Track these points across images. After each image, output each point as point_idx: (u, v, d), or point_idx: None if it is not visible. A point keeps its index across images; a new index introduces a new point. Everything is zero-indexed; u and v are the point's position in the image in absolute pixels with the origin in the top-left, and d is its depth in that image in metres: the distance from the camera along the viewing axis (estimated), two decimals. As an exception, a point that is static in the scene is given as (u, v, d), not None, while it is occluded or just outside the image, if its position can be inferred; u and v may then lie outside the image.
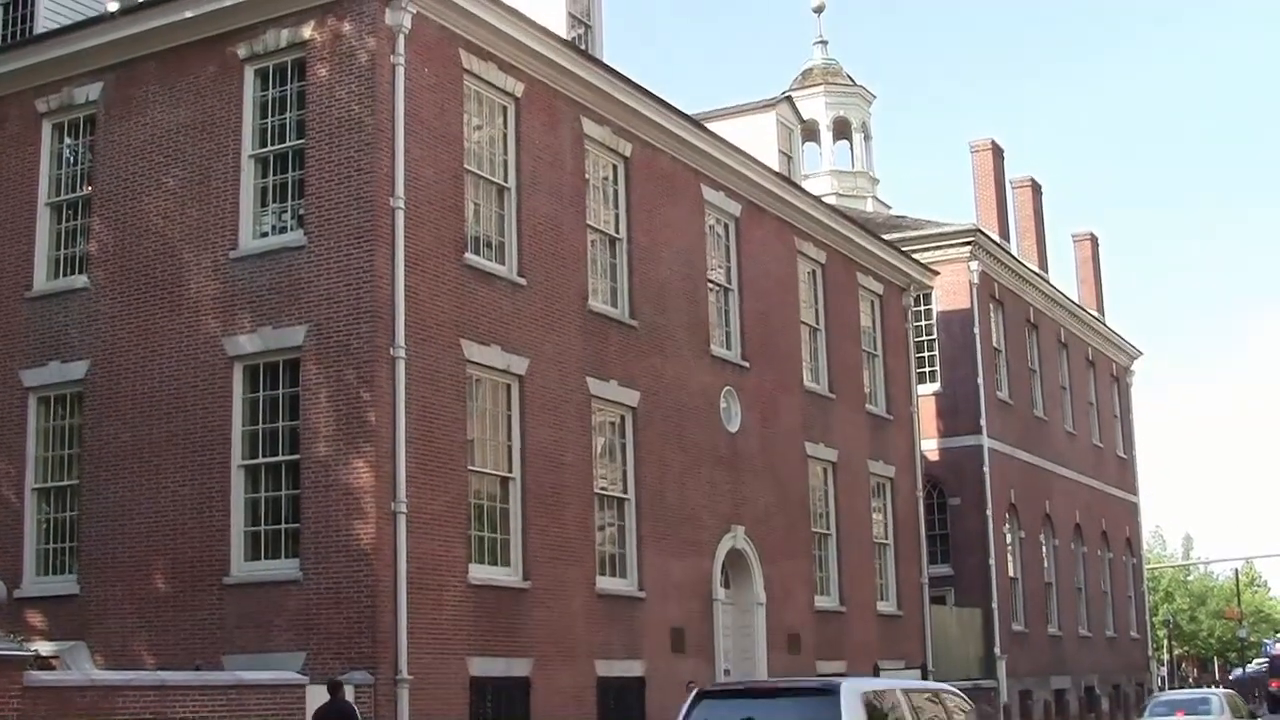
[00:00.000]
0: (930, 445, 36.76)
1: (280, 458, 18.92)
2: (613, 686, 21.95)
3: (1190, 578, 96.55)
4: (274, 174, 19.74)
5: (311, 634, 18.01)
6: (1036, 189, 47.33)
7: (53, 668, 18.17)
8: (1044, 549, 41.57)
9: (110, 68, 21.17)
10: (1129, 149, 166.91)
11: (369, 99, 18.81)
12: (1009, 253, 41.46)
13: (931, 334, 38.15)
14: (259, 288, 19.21)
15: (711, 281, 26.54)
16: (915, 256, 35.69)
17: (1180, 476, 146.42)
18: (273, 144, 19.75)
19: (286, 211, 19.64)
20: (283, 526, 18.81)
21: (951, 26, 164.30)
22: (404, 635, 17.94)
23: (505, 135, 21.56)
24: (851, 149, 45.39)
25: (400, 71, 19.09)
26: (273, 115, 19.84)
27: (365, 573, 17.87)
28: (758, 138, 31.71)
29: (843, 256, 31.40)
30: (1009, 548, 38.95)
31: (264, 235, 19.66)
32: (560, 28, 24.53)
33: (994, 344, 39.40)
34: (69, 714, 14.26)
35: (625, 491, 23.33)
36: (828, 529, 29.53)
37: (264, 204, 19.80)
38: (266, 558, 18.87)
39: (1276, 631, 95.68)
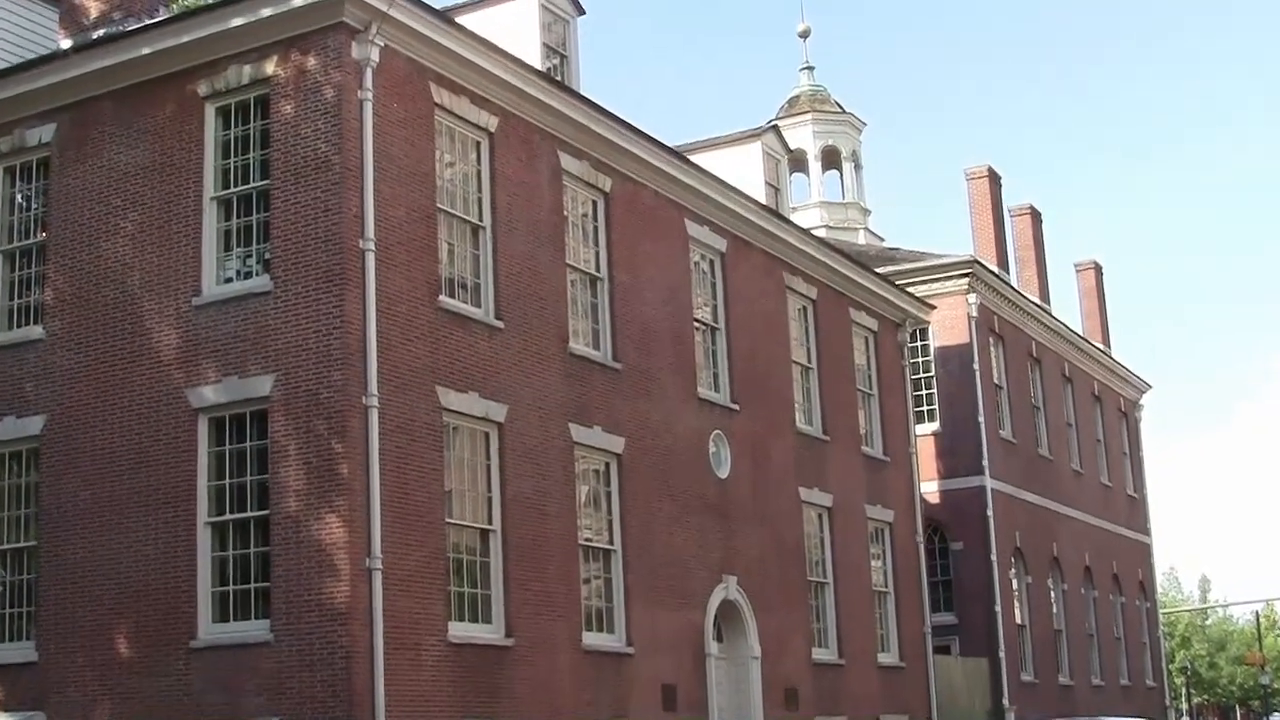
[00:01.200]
0: (930, 487, 36.88)
1: (249, 514, 18.95)
2: (602, 748, 21.97)
3: (1208, 622, 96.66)
4: (238, 217, 19.84)
5: (284, 699, 18.00)
6: (1036, 216, 47.62)
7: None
8: (1052, 594, 41.66)
9: (64, 108, 21.28)
10: (1132, 172, 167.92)
11: (336, 136, 18.94)
12: (1009, 284, 41.71)
13: (929, 371, 38.33)
14: (224, 336, 19.29)
15: (698, 320, 26.68)
16: (910, 290, 35.89)
17: (1195, 515, 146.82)
18: (236, 185, 19.86)
19: (251, 256, 19.72)
20: (252, 586, 18.81)
21: (943, 50, 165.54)
22: (381, 698, 17.94)
23: (479, 172, 21.70)
24: (842, 179, 45.72)
25: (368, 107, 19.24)
26: (235, 155, 19.95)
27: (340, 633, 17.89)
28: (743, 169, 31.94)
29: (834, 292, 31.58)
30: (1015, 593, 39.03)
31: (228, 281, 19.75)
32: (534, 58, 24.74)
33: (995, 380, 39.59)
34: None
35: (611, 542, 23.39)
36: (824, 577, 29.60)
37: (228, 248, 19.88)
38: (235, 619, 18.87)
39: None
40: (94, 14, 24.18)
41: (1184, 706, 77.67)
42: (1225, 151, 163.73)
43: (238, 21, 19.60)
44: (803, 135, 44.72)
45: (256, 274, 19.55)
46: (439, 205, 20.65)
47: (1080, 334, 47.89)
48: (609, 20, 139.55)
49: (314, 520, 18.24)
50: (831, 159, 45.72)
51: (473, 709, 19.53)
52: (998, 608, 37.08)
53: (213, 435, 19.37)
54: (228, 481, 19.22)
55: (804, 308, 30.56)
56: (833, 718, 28.26)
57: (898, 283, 35.38)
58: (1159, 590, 58.27)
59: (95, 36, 22.31)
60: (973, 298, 38.38)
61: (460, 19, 23.25)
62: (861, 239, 43.74)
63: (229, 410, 19.23)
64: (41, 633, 20.05)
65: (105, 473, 19.85)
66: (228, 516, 19.12)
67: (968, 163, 46.12)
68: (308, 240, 18.90)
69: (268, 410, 18.83)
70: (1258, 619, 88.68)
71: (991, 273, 40.05)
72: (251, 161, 19.81)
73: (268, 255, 19.37)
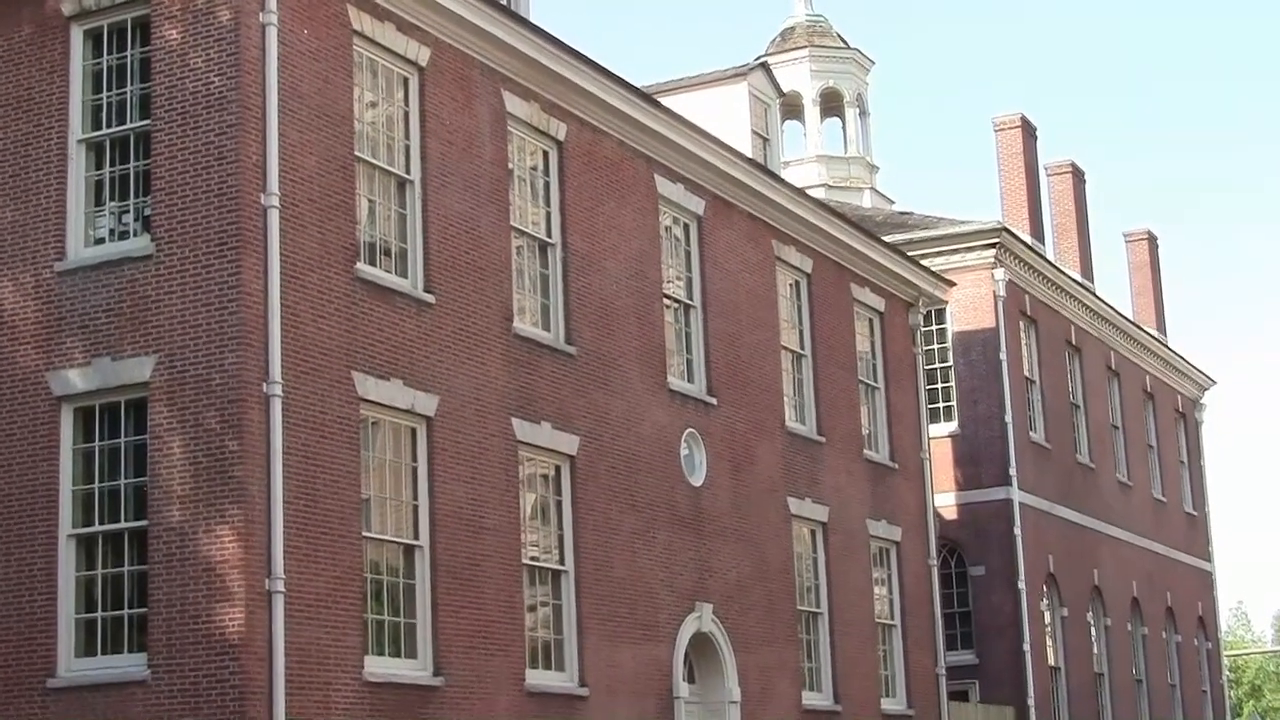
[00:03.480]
0: (946, 500, 37.10)
1: (122, 525, 18.91)
2: (548, 811, 22.08)
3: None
4: (111, 164, 19.78)
5: (164, 748, 18.04)
6: (1078, 176, 47.87)
7: None
8: (1093, 630, 41.96)
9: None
10: (1194, 129, 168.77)
11: (232, 69, 18.92)
12: (1043, 257, 41.95)
13: (947, 360, 38.53)
14: (93, 309, 19.25)
15: (669, 297, 26.77)
16: (925, 263, 36.08)
17: (1268, 539, 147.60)
18: (109, 126, 19.81)
19: (128, 212, 19.68)
20: (125, 612, 18.79)
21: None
22: (282, 748, 18.01)
23: (407, 114, 21.71)
24: (844, 129, 45.87)
25: (272, 34, 19.21)
26: (109, 89, 19.89)
27: (232, 669, 17.89)
28: (726, 116, 32.03)
29: (834, 264, 31.71)
30: (1048, 629, 39.31)
31: (99, 242, 19.71)
32: (474, -22, 24.76)
33: (1025, 372, 39.82)
34: None
35: (562, 562, 23.47)
36: (818, 607, 29.76)
37: (99, 203, 19.84)
38: (104, 653, 18.83)
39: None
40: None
41: (1251, 768, 78.25)
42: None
43: (112, -74, 19.61)
44: (798, 75, 44.81)
45: (134, 234, 19.50)
46: (358, 154, 20.65)
47: (1130, 318, 48.20)
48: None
49: (202, 533, 18.23)
50: (832, 104, 45.85)
51: (392, 762, 19.59)
52: (1026, 646, 37.32)
53: (79, 429, 19.34)
54: (97, 486, 19.17)
55: (796, 282, 30.68)
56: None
57: (910, 254, 35.54)
58: (1223, 629, 58.69)
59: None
60: (1000, 273, 38.58)
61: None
62: (867, 201, 43.91)
63: (99, 399, 19.20)
64: None
65: (-52, 474, 19.80)
66: (96, 528, 19.08)
67: (996, 112, 46.21)
68: (197, 194, 18.87)
69: (147, 399, 18.80)
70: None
71: (1023, 243, 40.26)
72: (129, 97, 19.75)
73: (148, 212, 19.33)
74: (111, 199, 19.81)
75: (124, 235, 19.66)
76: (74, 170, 19.84)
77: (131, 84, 19.77)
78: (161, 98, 19.31)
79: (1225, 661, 57.14)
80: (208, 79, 19.06)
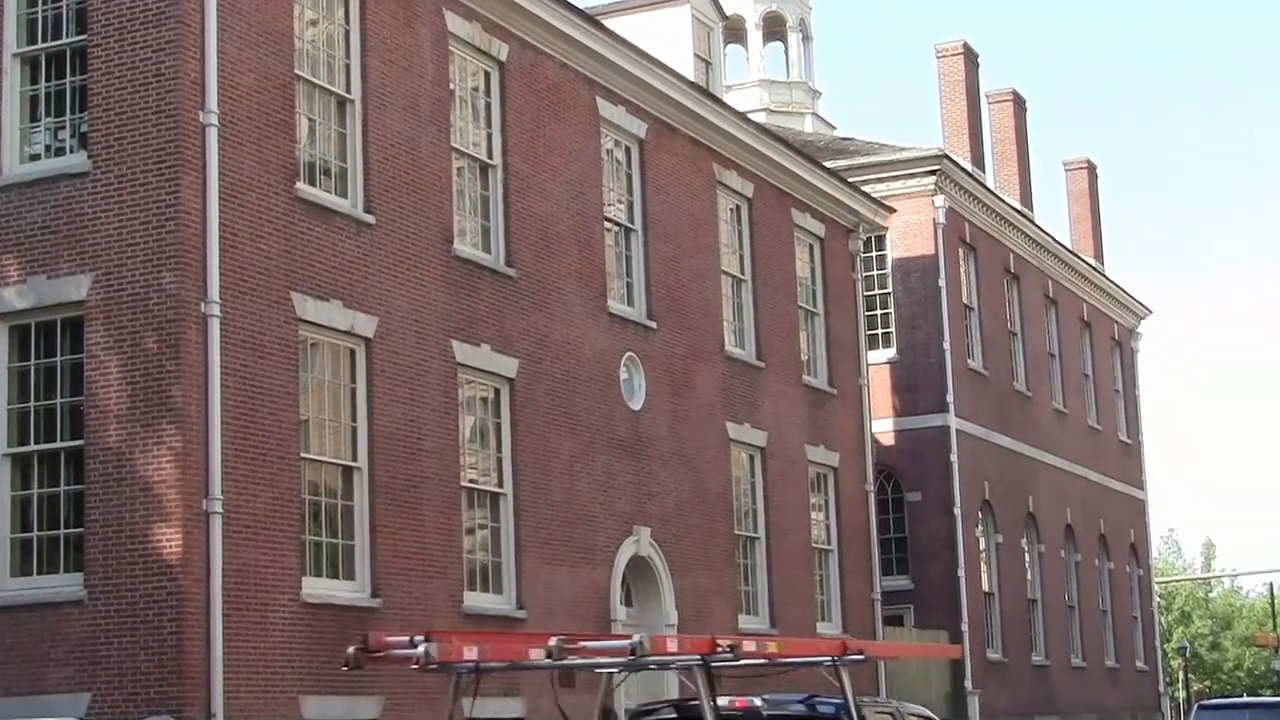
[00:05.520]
0: (884, 426, 37.31)
1: (58, 444, 18.91)
2: (485, 732, 22.20)
3: (1213, 595, 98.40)
4: (47, 80, 19.64)
5: (99, 669, 18.06)
6: (1019, 104, 47.98)
7: None
8: (1027, 557, 42.38)
9: None
10: (1131, 58, 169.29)
11: (171, -16, 18.80)
12: (983, 185, 42.09)
13: (886, 287, 38.67)
14: (28, 226, 19.14)
15: (609, 220, 26.77)
16: (866, 189, 36.15)
17: (1200, 468, 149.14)
18: (45, 40, 19.66)
19: (64, 128, 19.57)
20: (61, 532, 18.81)
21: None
22: (219, 669, 18.05)
23: (347, 32, 21.60)
24: (787, 53, 45.83)
25: (211, -51, 19.11)
26: (45, 3, 19.72)
27: (169, 590, 17.94)
28: (669, 39, 31.95)
29: (775, 189, 31.75)
30: (983, 555, 39.66)
31: (34, 159, 19.60)
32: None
33: (964, 300, 40.01)
34: None
35: (500, 485, 23.56)
36: (755, 531, 29.96)
37: (34, 119, 19.72)
38: (40, 573, 18.86)
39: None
40: None
41: (1181, 694, 79.28)
42: (1253, 41, 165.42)
43: None
44: (741, -2, 44.72)
45: (71, 151, 19.41)
46: (298, 72, 20.56)
47: (1068, 247, 48.48)
48: None
49: (139, 453, 18.24)
50: (775, 29, 45.78)
51: (329, 682, 19.67)
52: (961, 572, 37.67)
53: (14, 347, 19.27)
54: (32, 405, 19.14)
55: (737, 207, 30.72)
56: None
57: (850, 180, 35.61)
58: (1154, 556, 59.37)
59: None
60: (940, 200, 38.70)
61: None
62: (809, 126, 43.93)
63: (35, 317, 19.13)
64: None
65: (-119, 391, 19.69)
66: (32, 447, 19.07)
67: (939, 38, 46.23)
68: (135, 111, 18.77)
69: (83, 318, 18.75)
70: (1271, 592, 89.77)
71: (963, 170, 40.38)
72: (65, 11, 19.61)
73: (84, 128, 19.23)
74: (47, 115, 19.69)
75: (60, 152, 19.55)
76: (9, 85, 19.69)
77: (68, -3, 19.62)
78: (99, 12, 19.16)
79: (1156, 588, 57.77)
80: (146, -6, 18.91)
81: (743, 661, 12.28)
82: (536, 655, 11.16)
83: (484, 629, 22.41)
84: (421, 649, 10.61)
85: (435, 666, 10.81)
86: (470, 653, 10.92)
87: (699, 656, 11.84)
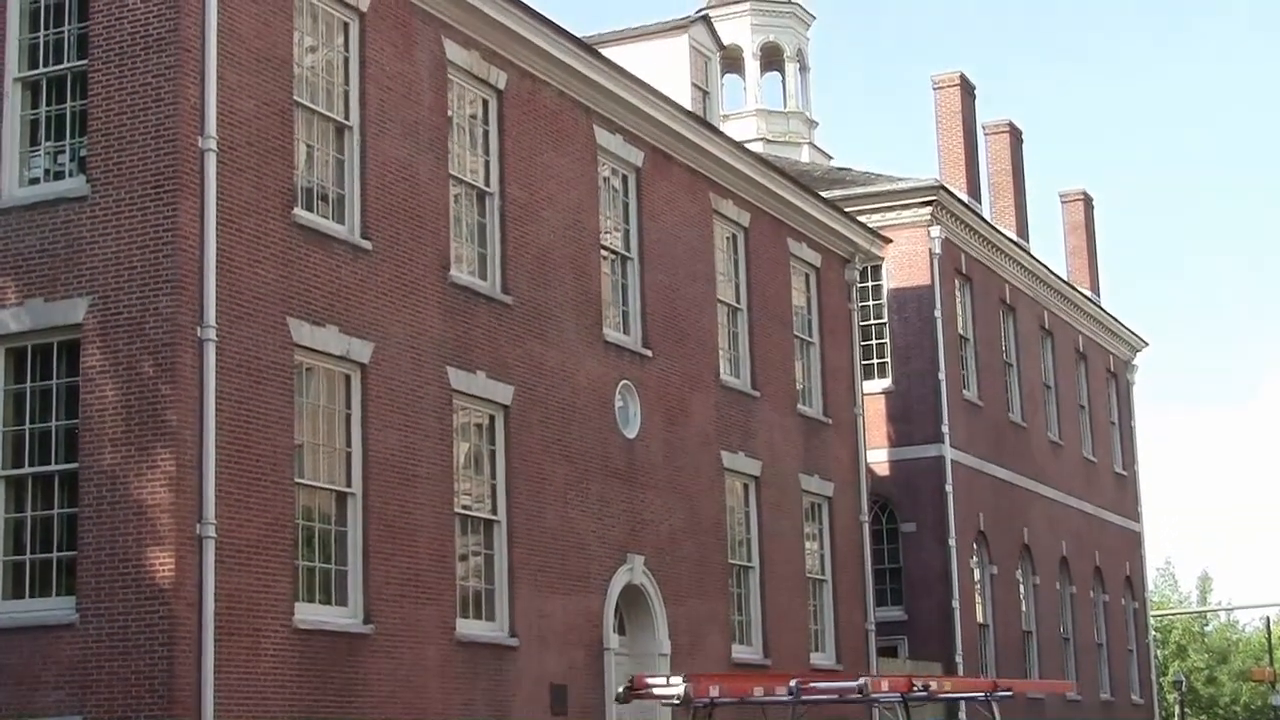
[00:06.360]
0: (879, 456, 37.35)
1: (53, 467, 18.91)
2: (476, 759, 22.22)
3: (1209, 628, 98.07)
4: (48, 104, 19.71)
5: (90, 693, 18.05)
6: (1015, 135, 48.14)
7: None
8: (1021, 588, 42.36)
9: None
10: (1133, 90, 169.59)
11: (171, 10, 18.84)
12: (979, 216, 42.18)
13: (882, 317, 38.74)
14: (26, 249, 19.18)
15: (606, 248, 26.84)
16: (862, 219, 36.23)
17: (1196, 501, 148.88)
18: (46, 65, 19.72)
19: (64, 153, 19.62)
20: (54, 555, 18.80)
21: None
22: (209, 694, 18.03)
23: (347, 60, 21.67)
24: (784, 83, 45.93)
25: (212, -24, 19.18)
26: (47, 28, 19.79)
27: (161, 614, 17.94)
28: (666, 68, 32.06)
29: (771, 218, 31.83)
30: (977, 586, 39.66)
31: (34, 182, 19.65)
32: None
33: (960, 330, 40.08)
34: None
35: (494, 512, 23.57)
36: (749, 560, 29.97)
37: (34, 143, 19.76)
38: (33, 595, 18.85)
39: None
40: None
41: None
42: (1248, 68, 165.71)
43: None
44: (738, 29, 44.84)
45: (70, 175, 19.46)
46: (297, 98, 20.63)
47: (1064, 278, 48.54)
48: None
49: (133, 477, 18.26)
50: (773, 59, 45.88)
51: (321, 708, 19.68)
52: (955, 603, 37.68)
53: (11, 370, 19.29)
54: (28, 427, 19.15)
55: (734, 236, 30.79)
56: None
57: (847, 210, 35.69)
58: (1150, 588, 59.34)
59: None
60: (936, 230, 38.78)
61: None
62: (805, 156, 44.01)
63: (32, 340, 19.15)
64: None
65: (-124, 413, 19.72)
66: (27, 470, 19.07)
67: (936, 70, 46.33)
68: (134, 136, 18.83)
69: (79, 341, 18.78)
70: (1268, 626, 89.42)
71: (960, 201, 40.47)
72: (66, 36, 19.67)
73: (84, 153, 19.27)
74: (47, 139, 19.74)
75: (59, 176, 19.60)
76: (10, 109, 19.74)
77: (70, 23, 19.69)
78: (100, 37, 19.23)
79: (1151, 621, 57.69)
80: (146, 20, 18.99)
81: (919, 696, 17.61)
82: (780, 692, 16.30)
83: (476, 657, 22.44)
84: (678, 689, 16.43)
85: (682, 703, 16.37)
86: (713, 690, 16.19)
87: (900, 695, 17.10)
